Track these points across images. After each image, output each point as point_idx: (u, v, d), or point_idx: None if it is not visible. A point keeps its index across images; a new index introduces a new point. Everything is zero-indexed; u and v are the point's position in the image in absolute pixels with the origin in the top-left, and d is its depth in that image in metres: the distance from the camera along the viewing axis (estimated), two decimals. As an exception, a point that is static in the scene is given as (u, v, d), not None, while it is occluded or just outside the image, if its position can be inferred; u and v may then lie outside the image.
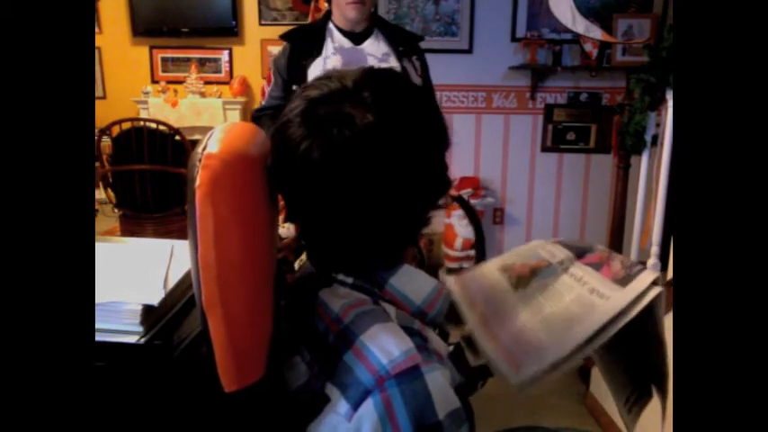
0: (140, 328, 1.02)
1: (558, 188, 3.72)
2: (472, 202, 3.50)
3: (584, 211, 3.74)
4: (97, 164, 3.19)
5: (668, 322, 0.71)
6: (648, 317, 0.76)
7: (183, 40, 4.60)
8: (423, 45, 2.09)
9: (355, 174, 0.66)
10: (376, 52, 1.97)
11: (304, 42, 1.98)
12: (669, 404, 0.77)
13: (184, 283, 1.13)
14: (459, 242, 3.44)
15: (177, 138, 3.12)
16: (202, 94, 4.53)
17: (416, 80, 1.96)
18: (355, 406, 0.63)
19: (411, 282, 0.75)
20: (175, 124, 3.44)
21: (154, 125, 3.12)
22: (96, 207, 3.48)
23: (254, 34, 4.60)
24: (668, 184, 2.15)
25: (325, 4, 2.11)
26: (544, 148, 3.66)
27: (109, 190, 3.19)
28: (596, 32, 2.81)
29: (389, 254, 0.75)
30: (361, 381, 0.63)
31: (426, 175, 0.71)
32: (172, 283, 1.11)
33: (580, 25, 2.66)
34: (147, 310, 1.03)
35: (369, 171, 0.66)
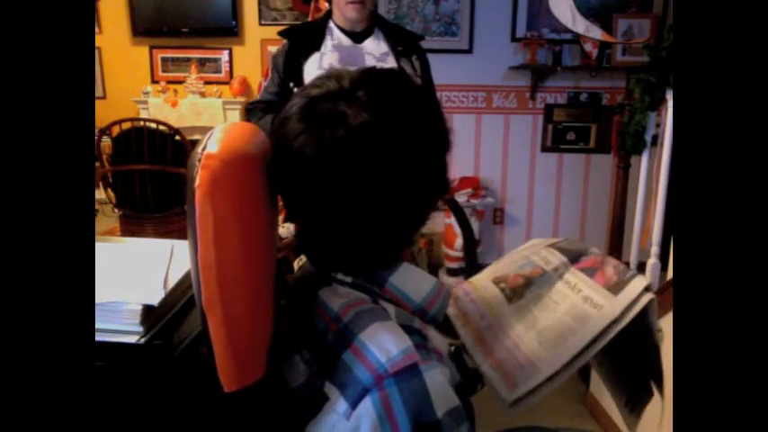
0: (140, 328, 1.02)
1: (558, 188, 3.72)
2: (472, 202, 3.50)
3: (584, 212, 3.74)
4: (97, 164, 3.19)
5: (668, 322, 0.71)
6: (641, 322, 0.76)
7: (183, 40, 4.59)
8: (423, 45, 2.08)
9: (348, 171, 0.66)
10: (375, 51, 1.97)
11: (303, 40, 1.98)
12: (668, 404, 0.77)
13: (184, 283, 1.13)
14: (459, 242, 3.44)
15: (177, 138, 3.12)
16: (202, 94, 4.52)
17: (415, 81, 1.95)
18: (354, 405, 0.63)
19: (411, 280, 0.75)
20: (175, 124, 3.44)
21: (154, 125, 3.12)
22: (96, 207, 3.47)
23: (254, 34, 4.60)
24: (668, 184, 2.15)
25: (326, 4, 2.11)
26: (544, 148, 3.67)
27: (109, 190, 3.19)
28: (596, 32, 2.81)
29: (386, 253, 0.75)
30: (359, 379, 0.63)
31: (423, 176, 0.71)
32: (172, 283, 1.11)
33: (580, 25, 2.66)
34: (147, 310, 1.03)
35: (362, 169, 0.66)
